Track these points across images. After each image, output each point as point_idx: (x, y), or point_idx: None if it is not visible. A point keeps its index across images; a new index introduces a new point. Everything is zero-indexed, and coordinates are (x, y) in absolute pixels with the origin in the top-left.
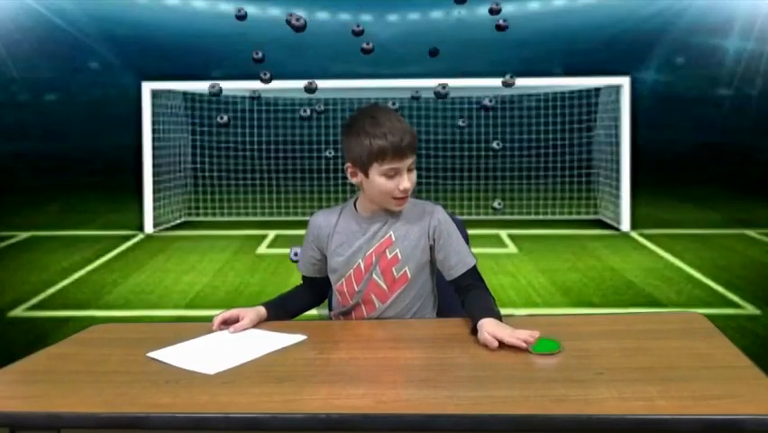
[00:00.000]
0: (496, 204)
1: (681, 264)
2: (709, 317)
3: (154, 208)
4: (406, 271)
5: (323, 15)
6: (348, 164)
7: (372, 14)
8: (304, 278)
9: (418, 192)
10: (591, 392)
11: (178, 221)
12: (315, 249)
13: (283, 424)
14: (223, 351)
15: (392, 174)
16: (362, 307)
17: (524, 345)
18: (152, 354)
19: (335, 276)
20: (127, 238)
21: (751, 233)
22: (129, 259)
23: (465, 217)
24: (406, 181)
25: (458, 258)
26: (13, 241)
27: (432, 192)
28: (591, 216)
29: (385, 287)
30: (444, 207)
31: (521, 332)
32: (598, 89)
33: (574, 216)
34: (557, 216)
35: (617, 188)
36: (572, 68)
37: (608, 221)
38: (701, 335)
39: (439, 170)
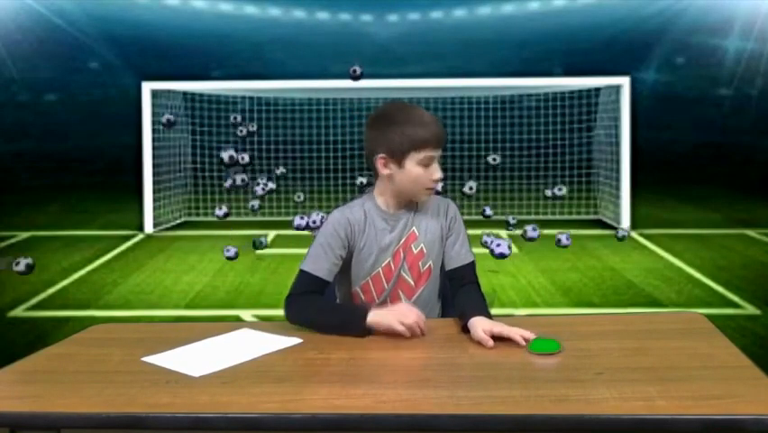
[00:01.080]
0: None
1: (681, 264)
2: (709, 317)
3: (154, 208)
4: (430, 265)
5: (323, 15)
6: (381, 155)
7: (372, 14)
8: (320, 284)
9: None
10: (591, 392)
11: (178, 221)
12: (344, 247)
13: (283, 424)
14: (216, 353)
15: (427, 163)
16: (389, 304)
17: (521, 340)
18: (147, 359)
19: (361, 274)
20: (127, 238)
21: (751, 233)
22: (129, 259)
23: (465, 218)
24: (439, 171)
25: (461, 250)
26: (13, 241)
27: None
28: (591, 216)
29: (412, 282)
30: None
31: (519, 329)
32: (598, 89)
33: (574, 216)
34: (557, 216)
35: (617, 188)
36: (572, 68)
37: (608, 221)
38: (701, 335)
39: None
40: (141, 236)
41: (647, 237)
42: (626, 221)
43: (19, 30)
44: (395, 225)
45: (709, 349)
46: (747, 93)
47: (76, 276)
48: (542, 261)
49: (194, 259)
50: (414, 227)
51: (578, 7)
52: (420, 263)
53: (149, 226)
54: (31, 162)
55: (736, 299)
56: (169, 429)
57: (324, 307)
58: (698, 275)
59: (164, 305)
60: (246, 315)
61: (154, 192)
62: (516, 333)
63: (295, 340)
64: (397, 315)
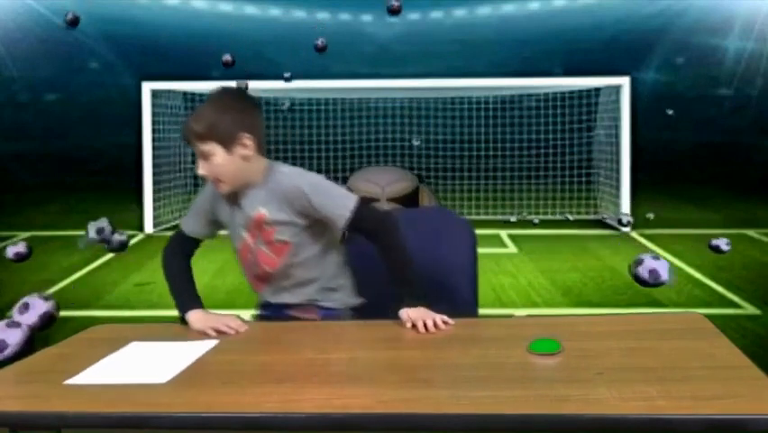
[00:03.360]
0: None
1: (681, 264)
2: (709, 317)
3: (154, 208)
4: (285, 239)
5: (323, 15)
6: (247, 135)
7: (372, 14)
8: (190, 241)
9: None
10: (591, 392)
11: (179, 221)
12: (211, 213)
13: (283, 424)
14: (148, 364)
15: None
16: (260, 276)
17: (422, 328)
18: (70, 381)
19: (234, 246)
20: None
21: (751, 233)
22: (129, 259)
23: (465, 217)
24: None
25: (336, 207)
26: (13, 241)
27: (433, 192)
28: (591, 216)
29: (273, 255)
30: (446, 207)
31: (437, 317)
32: (598, 89)
33: (574, 216)
34: (557, 216)
35: (617, 188)
36: (572, 68)
37: (608, 221)
38: (701, 335)
39: (439, 170)
40: (141, 236)
41: (647, 237)
42: (625, 220)
43: (19, 30)
44: (242, 203)
45: (709, 349)
46: (747, 93)
47: (76, 276)
48: (542, 261)
49: (193, 259)
50: (258, 205)
51: (578, 7)
52: (273, 238)
53: (149, 226)
54: (31, 162)
55: (736, 299)
56: (168, 429)
57: (174, 278)
58: (698, 275)
59: (164, 305)
60: (246, 315)
61: (154, 192)
62: (421, 324)
63: (211, 342)
64: (214, 322)
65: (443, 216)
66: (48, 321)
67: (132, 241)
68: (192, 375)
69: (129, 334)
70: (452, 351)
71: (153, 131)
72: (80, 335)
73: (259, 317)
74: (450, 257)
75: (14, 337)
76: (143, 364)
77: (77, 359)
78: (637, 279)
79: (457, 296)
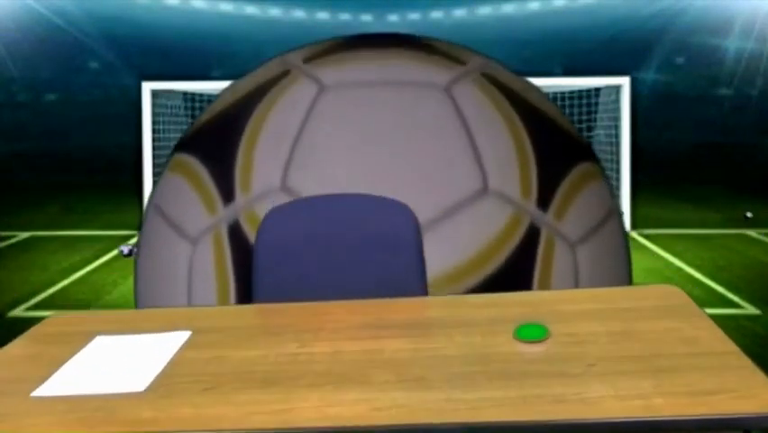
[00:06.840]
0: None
1: (681, 264)
2: (709, 317)
3: None
4: None
5: (323, 15)
6: None
7: (372, 14)
8: None
9: None
10: (587, 390)
11: None
12: None
13: None
14: (120, 366)
15: None
16: None
17: None
18: (38, 393)
19: None
20: (127, 238)
21: (751, 233)
22: (129, 259)
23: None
24: None
25: None
26: (13, 241)
27: None
28: None
29: None
30: None
31: None
32: (598, 89)
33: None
34: None
35: (617, 188)
36: (572, 68)
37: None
38: (682, 313)
39: None
40: None
41: (647, 237)
42: (626, 221)
43: (19, 30)
44: None
45: (693, 331)
46: (747, 93)
47: (76, 276)
48: None
49: None
50: None
51: (578, 7)
52: None
53: None
54: (31, 162)
55: (736, 299)
56: None
57: None
58: (698, 275)
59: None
60: None
61: None
62: None
63: (185, 334)
64: None
65: (375, 201)
66: None
67: (132, 241)
68: (170, 380)
69: (89, 325)
70: (436, 338)
71: (153, 131)
72: (37, 328)
73: None
74: (390, 239)
75: None
76: (116, 367)
77: (41, 361)
78: None
79: (403, 277)
